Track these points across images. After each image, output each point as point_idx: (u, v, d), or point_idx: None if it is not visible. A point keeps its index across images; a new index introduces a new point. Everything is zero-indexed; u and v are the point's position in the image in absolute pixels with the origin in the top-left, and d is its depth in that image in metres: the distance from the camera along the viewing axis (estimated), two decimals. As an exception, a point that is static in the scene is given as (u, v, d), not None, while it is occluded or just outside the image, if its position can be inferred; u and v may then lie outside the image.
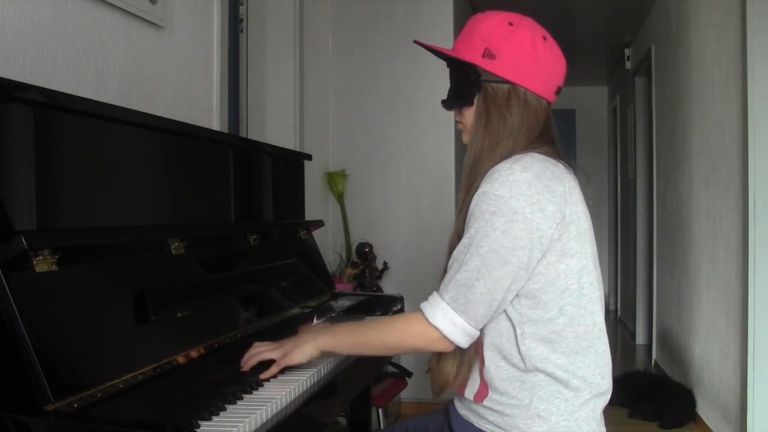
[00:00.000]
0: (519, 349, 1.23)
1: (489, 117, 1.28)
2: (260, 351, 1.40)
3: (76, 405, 1.01)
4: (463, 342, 1.23)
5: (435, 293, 1.25)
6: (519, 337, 1.23)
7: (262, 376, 1.35)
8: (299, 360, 1.36)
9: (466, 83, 1.30)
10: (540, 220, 1.19)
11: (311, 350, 1.35)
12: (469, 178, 1.29)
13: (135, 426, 1.01)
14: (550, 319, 1.23)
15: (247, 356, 1.40)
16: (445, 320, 1.21)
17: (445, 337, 1.22)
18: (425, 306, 1.25)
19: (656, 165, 4.68)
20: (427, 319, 1.23)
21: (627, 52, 5.69)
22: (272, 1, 3.14)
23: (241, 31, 2.94)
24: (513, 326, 1.24)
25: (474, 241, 1.20)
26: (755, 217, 2.69)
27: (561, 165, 1.27)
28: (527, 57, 1.26)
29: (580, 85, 7.16)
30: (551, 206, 1.20)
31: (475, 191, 1.24)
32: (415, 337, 1.26)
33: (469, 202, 1.25)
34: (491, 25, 1.28)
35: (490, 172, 1.23)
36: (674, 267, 4.09)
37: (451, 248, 1.27)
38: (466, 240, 1.21)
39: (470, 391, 1.31)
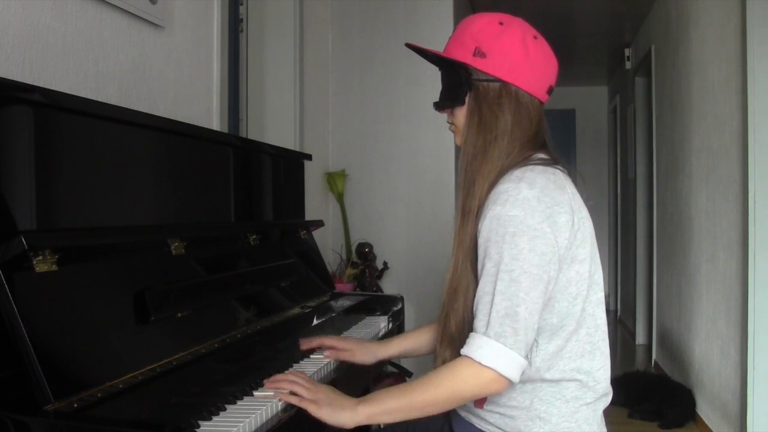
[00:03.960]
0: (529, 361, 1.21)
1: (481, 116, 1.28)
2: (296, 381, 1.27)
3: (76, 405, 1.01)
4: (517, 376, 1.16)
5: (474, 334, 1.17)
6: (531, 348, 1.21)
7: (275, 395, 1.26)
8: (324, 418, 1.20)
9: (457, 83, 1.30)
10: (556, 233, 1.19)
11: (345, 418, 1.20)
12: (466, 179, 1.28)
13: (135, 426, 1.00)
14: (562, 327, 1.22)
15: (281, 376, 1.31)
16: (499, 357, 1.13)
17: (502, 376, 1.14)
18: (469, 350, 1.16)
19: (656, 165, 4.68)
20: (478, 362, 1.14)
21: (627, 52, 5.69)
22: (272, 1, 3.14)
23: (241, 31, 2.94)
24: None
25: (501, 266, 1.16)
26: (755, 217, 2.69)
27: (558, 171, 1.26)
28: (518, 55, 1.26)
29: (580, 85, 7.16)
30: (562, 217, 1.20)
31: (475, 193, 1.23)
32: (467, 383, 1.16)
33: (471, 207, 1.24)
34: (482, 24, 1.28)
35: (495, 192, 1.21)
36: (674, 267, 4.09)
37: (456, 263, 1.24)
38: (491, 268, 1.17)
39: None
